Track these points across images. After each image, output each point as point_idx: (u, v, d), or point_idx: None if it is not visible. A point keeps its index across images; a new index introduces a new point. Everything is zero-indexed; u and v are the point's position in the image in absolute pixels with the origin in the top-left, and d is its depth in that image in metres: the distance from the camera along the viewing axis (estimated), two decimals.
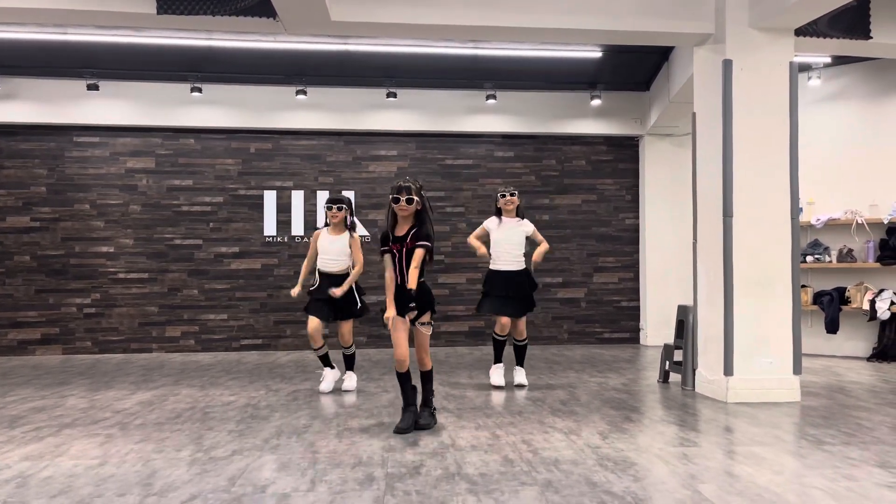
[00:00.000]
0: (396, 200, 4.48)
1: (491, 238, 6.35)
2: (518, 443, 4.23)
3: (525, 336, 6.41)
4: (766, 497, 3.20)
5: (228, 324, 9.35)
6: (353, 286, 6.03)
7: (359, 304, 6.01)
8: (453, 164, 9.79)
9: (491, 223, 6.40)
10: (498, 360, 6.37)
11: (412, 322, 4.57)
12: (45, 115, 8.98)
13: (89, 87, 8.73)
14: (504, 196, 6.36)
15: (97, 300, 9.17)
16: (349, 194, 9.49)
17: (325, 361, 6.14)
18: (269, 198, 9.44)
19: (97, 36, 7.92)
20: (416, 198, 4.49)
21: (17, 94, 8.91)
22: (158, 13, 5.36)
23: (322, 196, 9.40)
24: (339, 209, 6.04)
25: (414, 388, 4.67)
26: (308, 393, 6.05)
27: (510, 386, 6.33)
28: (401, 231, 4.56)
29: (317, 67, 8.99)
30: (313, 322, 5.89)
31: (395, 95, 9.17)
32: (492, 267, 6.30)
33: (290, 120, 9.34)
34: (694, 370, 6.12)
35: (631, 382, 6.56)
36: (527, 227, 6.39)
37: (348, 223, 6.13)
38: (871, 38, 6.03)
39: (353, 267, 6.02)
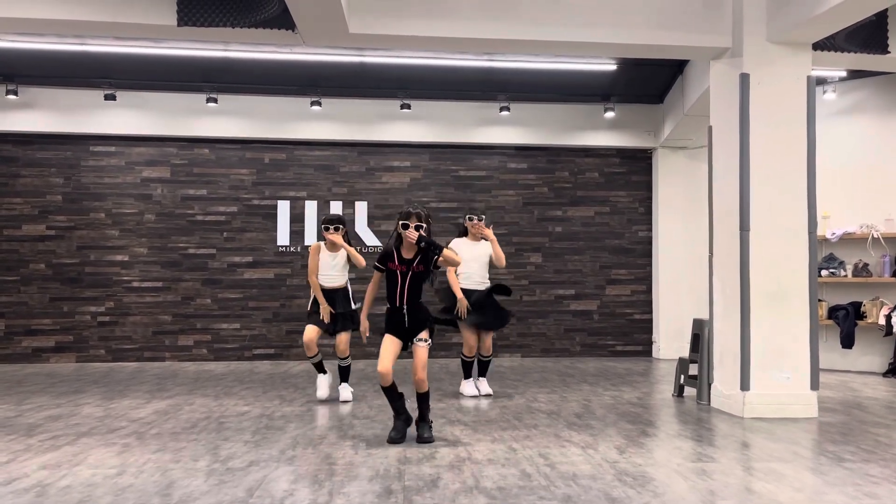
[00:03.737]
0: (406, 227, 4.59)
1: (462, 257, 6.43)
2: (535, 456, 4.21)
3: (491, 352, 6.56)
4: None
5: (241, 333, 9.37)
6: (351, 297, 6.16)
7: (355, 315, 6.05)
8: (466, 176, 9.80)
9: (458, 244, 6.46)
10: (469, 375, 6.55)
11: (412, 340, 4.62)
12: (62, 124, 9.06)
13: (106, 98, 8.79)
14: (472, 220, 6.47)
15: (111, 308, 9.21)
16: (362, 205, 9.54)
17: (320, 368, 6.23)
18: (283, 208, 9.47)
19: (114, 47, 8.00)
20: (424, 224, 4.62)
21: (34, 104, 8.99)
22: (179, 25, 5.40)
23: (335, 207, 9.45)
24: (337, 230, 6.08)
25: (401, 394, 4.74)
26: (322, 403, 6.04)
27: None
28: (408, 254, 4.65)
29: (332, 78, 9.03)
30: (311, 331, 6.03)
31: (409, 107, 9.20)
32: (461, 285, 6.36)
33: (304, 130, 9.38)
34: (709, 384, 6.08)
35: (645, 396, 6.53)
36: (486, 246, 6.50)
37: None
38: (889, 52, 6.01)
39: (353, 266, 6.15)
